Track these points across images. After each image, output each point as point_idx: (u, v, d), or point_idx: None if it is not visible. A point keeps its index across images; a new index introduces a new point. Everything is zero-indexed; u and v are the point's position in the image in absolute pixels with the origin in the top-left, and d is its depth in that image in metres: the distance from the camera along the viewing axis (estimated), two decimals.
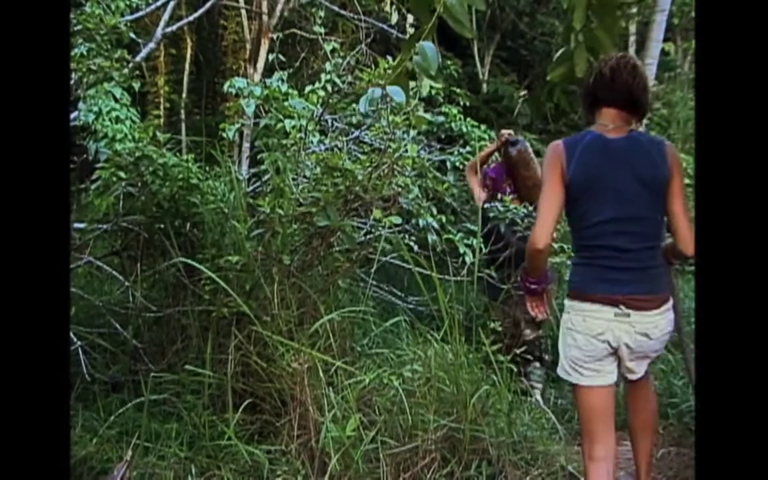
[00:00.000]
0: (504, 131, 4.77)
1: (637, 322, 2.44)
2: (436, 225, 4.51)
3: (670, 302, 2.55)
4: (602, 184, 2.47)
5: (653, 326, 2.47)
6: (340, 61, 4.78)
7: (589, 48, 2.26)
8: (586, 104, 2.64)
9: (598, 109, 2.57)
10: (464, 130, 5.94)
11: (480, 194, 4.67)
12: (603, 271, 2.48)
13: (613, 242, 2.47)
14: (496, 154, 4.84)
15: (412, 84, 3.22)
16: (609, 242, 2.47)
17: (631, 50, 11.58)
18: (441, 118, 5.89)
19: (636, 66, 2.57)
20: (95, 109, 3.95)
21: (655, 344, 2.52)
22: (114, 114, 3.97)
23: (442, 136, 6.11)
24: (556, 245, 4.31)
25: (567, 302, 2.59)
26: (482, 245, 4.06)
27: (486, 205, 4.50)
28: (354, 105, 4.77)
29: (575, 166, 2.47)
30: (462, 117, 6.05)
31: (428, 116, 4.88)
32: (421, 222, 4.41)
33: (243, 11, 8.30)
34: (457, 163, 5.61)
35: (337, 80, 4.62)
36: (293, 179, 3.82)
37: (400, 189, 3.96)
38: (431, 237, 4.49)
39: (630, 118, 2.56)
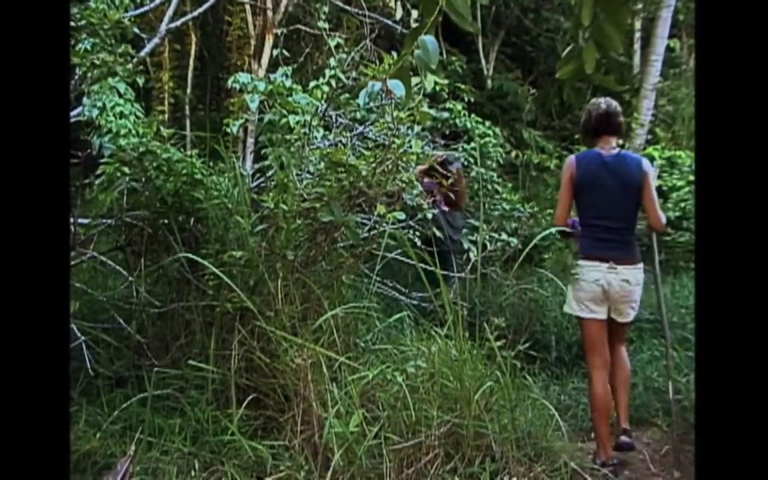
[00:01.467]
0: (439, 153, 5.53)
1: (621, 272, 3.72)
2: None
3: (641, 264, 3.81)
4: (598, 184, 3.78)
5: (632, 276, 3.74)
6: (344, 56, 4.78)
7: (598, 44, 2.25)
8: (589, 134, 3.96)
9: (598, 137, 3.89)
10: (468, 126, 5.94)
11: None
12: (599, 242, 3.77)
13: (604, 223, 3.77)
14: None
15: (416, 80, 3.21)
16: (601, 222, 3.78)
17: (636, 47, 11.56)
18: (445, 114, 5.88)
19: (618, 107, 3.93)
20: (99, 104, 3.95)
21: (634, 289, 3.77)
22: (118, 109, 3.96)
23: (447, 132, 6.11)
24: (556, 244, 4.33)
25: (577, 261, 3.84)
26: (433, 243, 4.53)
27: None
28: (357, 100, 4.76)
29: (581, 172, 3.82)
30: (466, 113, 6.05)
31: (432, 112, 4.88)
32: (428, 215, 4.41)
33: (247, 7, 8.30)
34: (462, 159, 5.61)
35: (342, 76, 4.61)
36: (297, 175, 3.81)
37: (404, 185, 3.96)
38: (432, 232, 4.49)
39: (617, 140, 3.91)
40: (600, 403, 3.74)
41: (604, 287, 3.72)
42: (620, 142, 4.01)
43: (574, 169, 3.83)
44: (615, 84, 3.07)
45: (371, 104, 3.93)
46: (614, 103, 3.91)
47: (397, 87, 2.02)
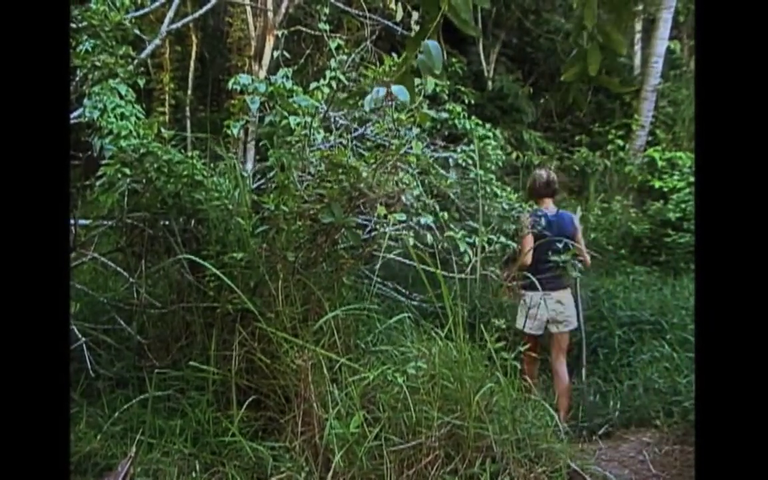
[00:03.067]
0: None
1: (556, 297, 4.90)
2: (432, 225, 4.49)
3: (569, 289, 5.04)
4: (546, 236, 4.85)
5: (564, 298, 4.97)
6: (344, 58, 4.78)
7: (602, 47, 2.26)
8: (533, 195, 5.21)
9: (541, 199, 5.15)
10: (468, 127, 5.94)
11: None
12: (541, 277, 4.73)
13: (547, 265, 4.83)
14: None
15: (417, 81, 3.21)
16: (545, 265, 4.81)
17: (637, 48, 11.56)
18: (445, 116, 5.88)
19: (555, 176, 5.29)
20: (100, 105, 3.95)
21: (566, 308, 4.97)
22: (119, 111, 3.96)
23: (447, 134, 6.10)
24: None
25: (523, 293, 4.94)
26: None
27: None
28: (359, 102, 4.76)
29: (536, 226, 4.93)
30: (466, 114, 6.04)
31: (432, 113, 4.87)
32: (422, 220, 4.40)
33: (248, 8, 8.31)
34: (461, 161, 5.60)
35: (342, 77, 4.62)
36: (298, 176, 3.81)
37: (404, 186, 3.96)
38: (430, 236, 4.47)
39: (553, 200, 5.18)
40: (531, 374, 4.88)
41: (545, 310, 4.90)
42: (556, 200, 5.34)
43: (532, 223, 5.07)
44: (618, 86, 3.07)
45: (375, 107, 3.92)
46: (552, 173, 5.32)
47: (401, 93, 2.03)
